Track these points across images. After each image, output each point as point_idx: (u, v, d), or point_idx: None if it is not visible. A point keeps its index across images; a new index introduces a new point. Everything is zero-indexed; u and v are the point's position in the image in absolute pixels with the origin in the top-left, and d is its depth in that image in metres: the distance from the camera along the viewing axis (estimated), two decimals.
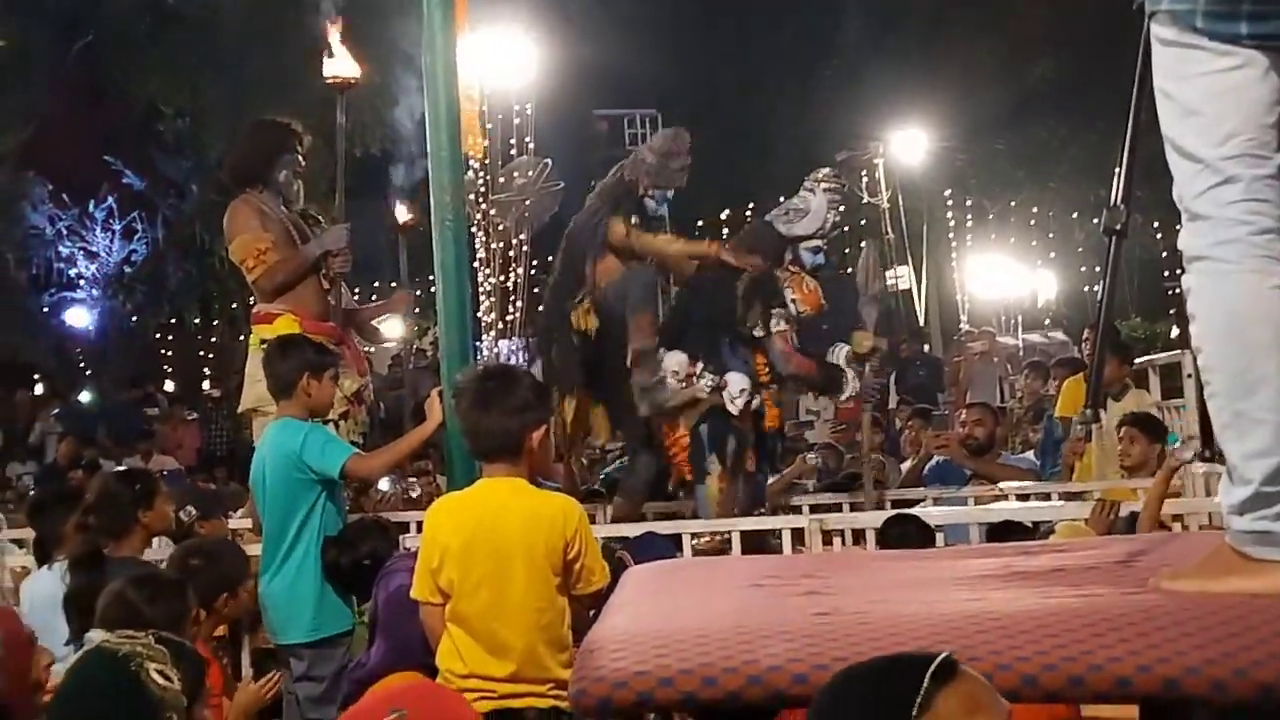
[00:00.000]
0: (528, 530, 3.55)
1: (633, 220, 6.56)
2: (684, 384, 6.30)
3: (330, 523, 4.77)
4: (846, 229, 20.47)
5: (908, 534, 5.11)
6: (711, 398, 6.29)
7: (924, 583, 2.63)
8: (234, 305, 19.26)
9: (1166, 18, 2.42)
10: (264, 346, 5.48)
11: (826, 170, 6.72)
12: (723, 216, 19.51)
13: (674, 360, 6.31)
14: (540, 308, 7.15)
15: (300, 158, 6.01)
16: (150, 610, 3.59)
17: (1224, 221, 2.37)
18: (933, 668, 1.70)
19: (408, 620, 3.69)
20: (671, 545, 5.26)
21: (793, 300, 6.45)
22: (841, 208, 6.71)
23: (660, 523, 6.05)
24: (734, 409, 6.25)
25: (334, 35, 5.77)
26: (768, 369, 6.53)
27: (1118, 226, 2.68)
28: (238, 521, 6.51)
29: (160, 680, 2.39)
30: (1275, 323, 2.34)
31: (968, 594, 2.41)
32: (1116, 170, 2.68)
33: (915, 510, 6.41)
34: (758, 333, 6.42)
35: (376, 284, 16.78)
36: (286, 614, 4.77)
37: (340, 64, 5.85)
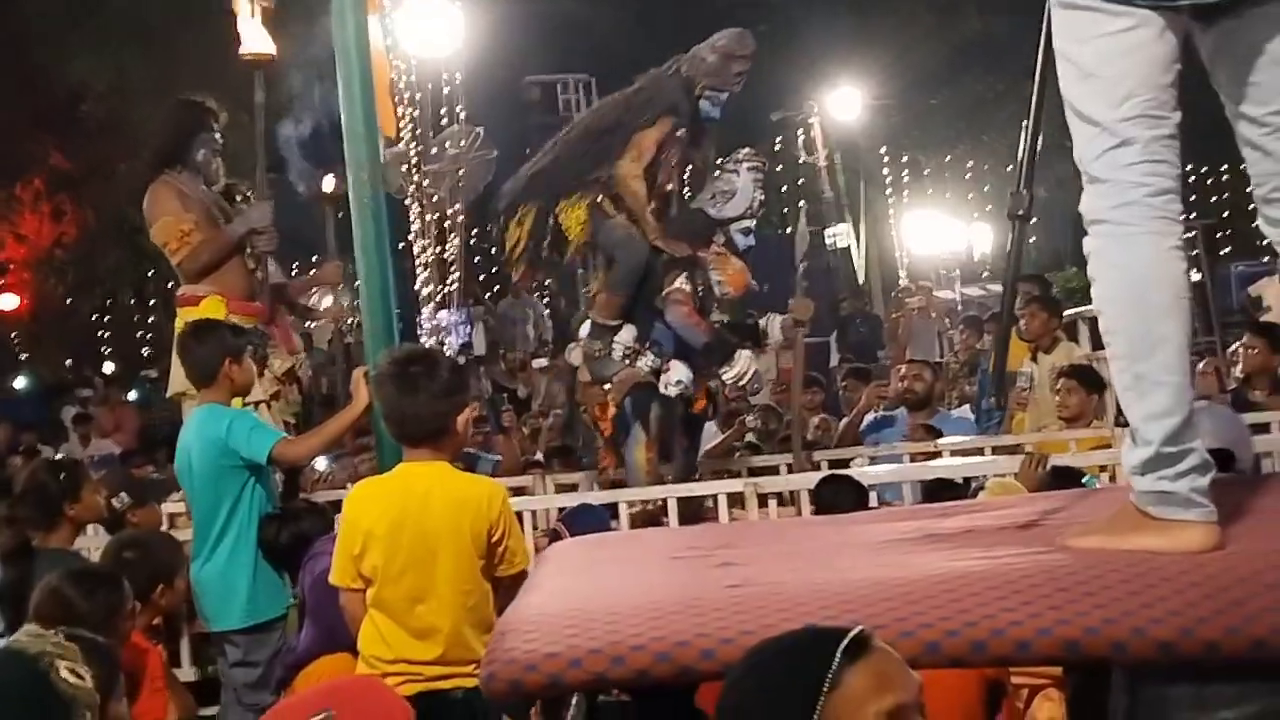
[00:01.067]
0: (453, 515, 3.54)
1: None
2: (628, 360, 6.30)
3: (260, 507, 4.73)
4: (784, 189, 20.53)
5: (840, 494, 5.14)
6: (647, 377, 6.29)
7: (839, 549, 2.66)
8: (170, 286, 19.04)
9: None
10: None
11: (747, 150, 6.69)
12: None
13: (625, 335, 6.31)
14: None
15: (217, 135, 5.93)
16: (86, 604, 3.55)
17: (1122, 184, 2.39)
18: (844, 644, 1.69)
19: (335, 603, 3.68)
20: (607, 515, 5.26)
21: (718, 281, 6.46)
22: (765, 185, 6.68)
23: (596, 492, 6.06)
24: (668, 393, 6.25)
25: (244, 13, 5.67)
26: None
27: (1020, 211, 2.72)
28: (174, 505, 6.44)
29: (71, 679, 2.37)
30: (1173, 284, 2.37)
31: (879, 560, 2.44)
32: (1021, 150, 2.71)
33: (850, 470, 6.49)
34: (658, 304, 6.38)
35: (315, 257, 16.61)
36: (220, 601, 4.74)
37: (256, 41, 5.76)
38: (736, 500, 5.76)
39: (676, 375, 6.30)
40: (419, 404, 3.60)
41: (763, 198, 6.60)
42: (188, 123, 5.89)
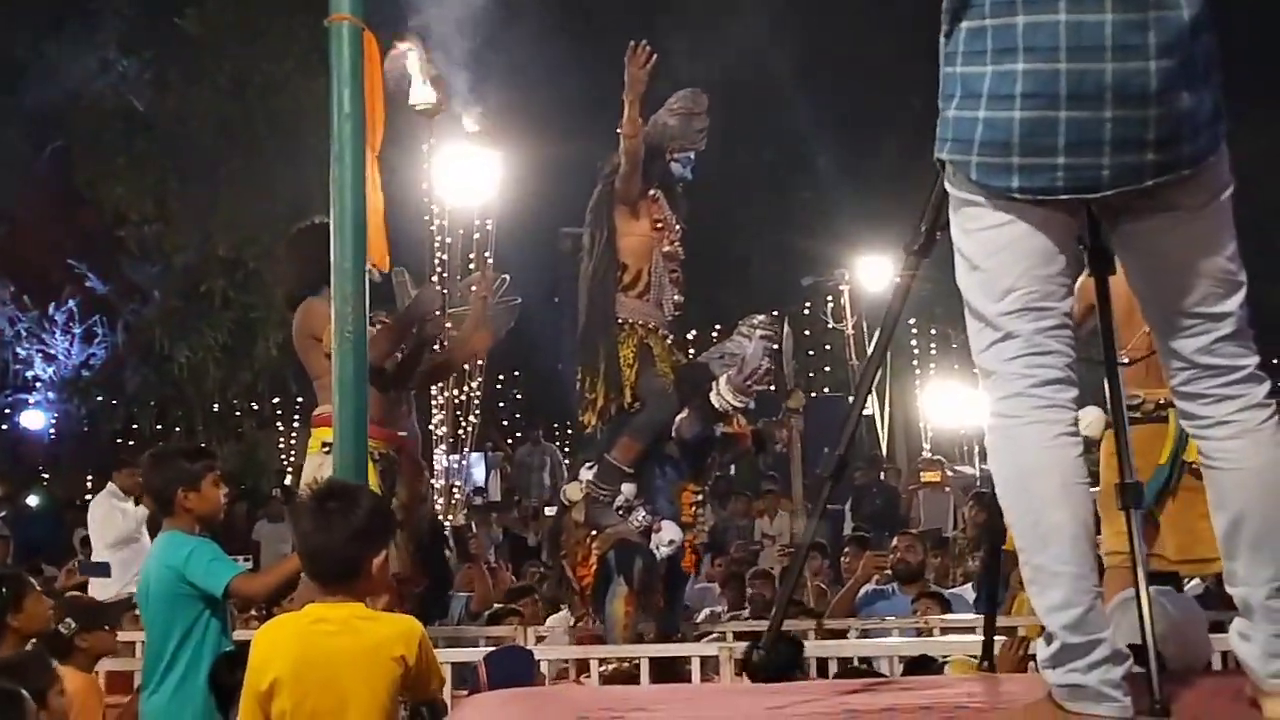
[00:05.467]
0: (364, 658, 3.40)
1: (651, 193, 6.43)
2: (621, 513, 6.24)
3: (214, 642, 4.60)
4: (810, 353, 20.56)
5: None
6: (637, 537, 6.21)
7: None
8: (191, 412, 19.20)
9: (951, 169, 2.46)
10: (325, 450, 5.31)
11: (762, 317, 6.72)
12: (689, 337, 19.53)
13: (626, 489, 6.26)
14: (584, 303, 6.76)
15: None
16: None
17: (1007, 376, 2.39)
18: None
19: None
20: (531, 662, 5.12)
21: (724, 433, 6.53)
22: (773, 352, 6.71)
23: (569, 648, 5.93)
24: (658, 554, 6.17)
25: (412, 61, 5.52)
26: (693, 507, 6.51)
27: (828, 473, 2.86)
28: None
29: None
30: (1062, 473, 2.32)
31: None
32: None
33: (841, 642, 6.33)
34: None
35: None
36: None
37: (424, 91, 5.58)
38: (713, 664, 5.63)
39: (669, 535, 6.24)
40: (332, 542, 3.47)
41: (770, 365, 6.58)
42: (321, 246, 5.86)
